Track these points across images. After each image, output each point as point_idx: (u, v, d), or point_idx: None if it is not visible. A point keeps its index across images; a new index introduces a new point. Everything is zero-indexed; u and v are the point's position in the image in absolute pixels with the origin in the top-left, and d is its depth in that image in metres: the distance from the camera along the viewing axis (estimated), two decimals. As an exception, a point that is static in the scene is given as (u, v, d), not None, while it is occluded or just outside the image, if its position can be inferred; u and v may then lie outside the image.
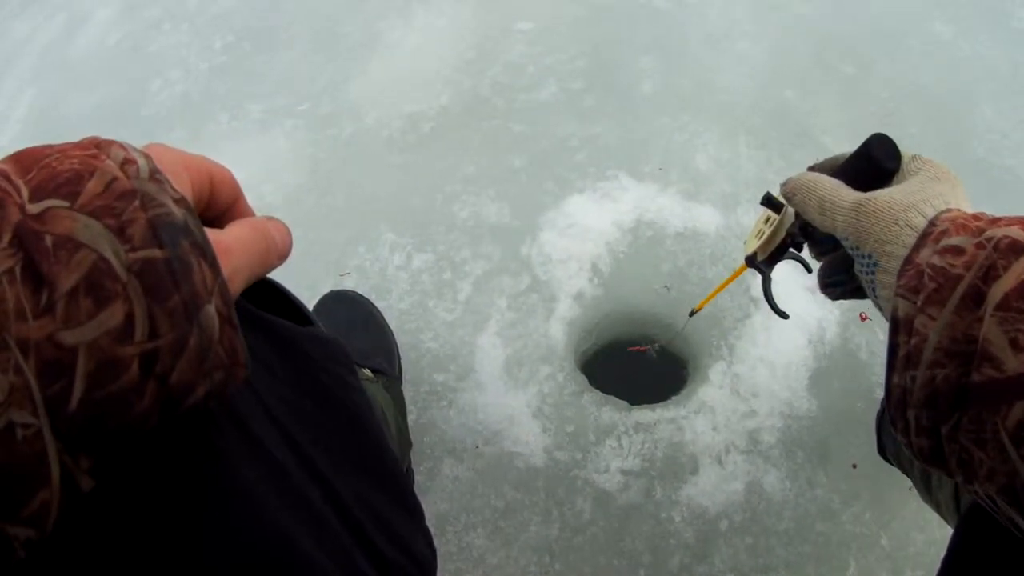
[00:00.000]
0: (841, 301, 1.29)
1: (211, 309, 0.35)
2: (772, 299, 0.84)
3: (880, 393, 1.21)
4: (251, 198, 0.49)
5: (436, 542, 0.70)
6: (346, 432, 0.56)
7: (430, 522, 0.69)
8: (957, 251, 0.47)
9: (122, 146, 0.37)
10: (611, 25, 1.72)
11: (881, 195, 0.59)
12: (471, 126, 1.56)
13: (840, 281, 0.70)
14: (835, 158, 0.72)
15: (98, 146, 0.36)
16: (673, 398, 1.27)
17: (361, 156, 1.54)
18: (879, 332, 1.28)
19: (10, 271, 0.31)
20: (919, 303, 0.47)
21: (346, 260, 1.39)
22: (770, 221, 0.79)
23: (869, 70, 1.66)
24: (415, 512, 0.65)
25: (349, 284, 1.35)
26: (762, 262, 0.81)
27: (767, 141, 1.52)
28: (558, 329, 1.30)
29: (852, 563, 1.12)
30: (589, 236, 1.38)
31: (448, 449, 1.20)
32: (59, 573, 0.35)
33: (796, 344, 1.27)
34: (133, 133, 1.61)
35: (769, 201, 0.77)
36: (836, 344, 1.28)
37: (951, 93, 1.63)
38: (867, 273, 0.58)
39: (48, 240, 0.32)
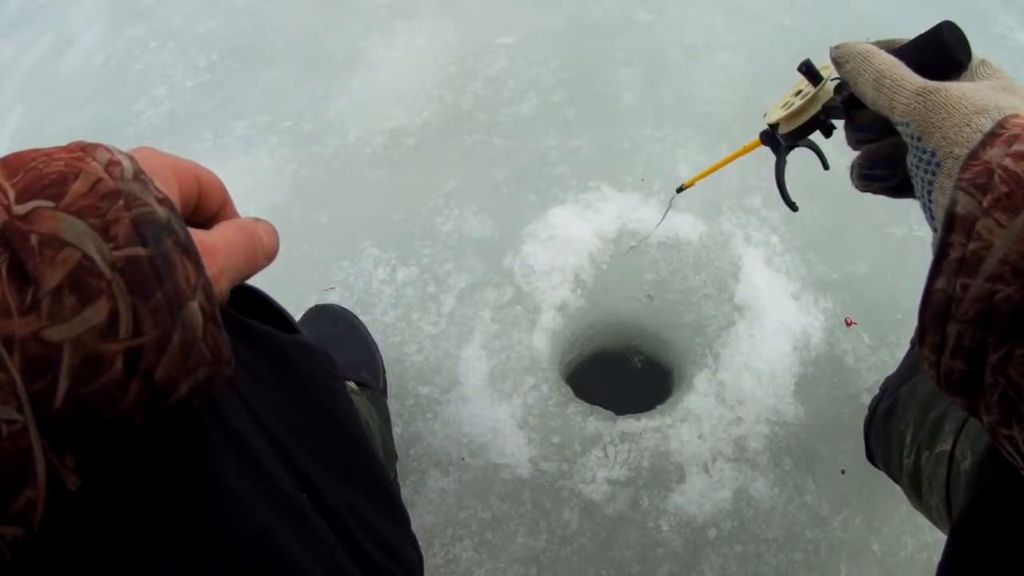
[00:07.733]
0: (825, 307, 1.30)
1: (194, 306, 0.35)
2: (784, 186, 0.77)
3: (867, 399, 1.22)
4: (235, 215, 0.49)
5: (423, 555, 0.70)
6: (332, 438, 0.56)
7: (416, 535, 0.69)
8: None
9: (107, 149, 0.37)
10: (591, 38, 1.73)
11: (952, 88, 0.53)
12: (453, 141, 1.57)
13: (881, 176, 0.64)
14: (891, 41, 0.66)
15: (84, 149, 0.37)
16: (658, 407, 1.27)
17: (344, 172, 1.54)
18: (865, 337, 1.29)
19: None
20: (985, 204, 0.42)
21: (330, 275, 1.39)
22: (802, 93, 0.70)
23: (848, 80, 1.67)
24: (402, 518, 0.65)
25: (334, 299, 1.35)
26: (782, 136, 0.73)
27: (748, 151, 1.53)
28: (542, 340, 1.30)
29: (843, 569, 1.12)
30: (572, 247, 1.39)
31: (434, 462, 1.20)
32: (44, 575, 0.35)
33: (781, 351, 1.28)
34: (115, 151, 1.61)
35: (808, 69, 0.68)
36: (822, 350, 1.29)
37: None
38: (925, 172, 0.53)
39: (33, 239, 0.32)
